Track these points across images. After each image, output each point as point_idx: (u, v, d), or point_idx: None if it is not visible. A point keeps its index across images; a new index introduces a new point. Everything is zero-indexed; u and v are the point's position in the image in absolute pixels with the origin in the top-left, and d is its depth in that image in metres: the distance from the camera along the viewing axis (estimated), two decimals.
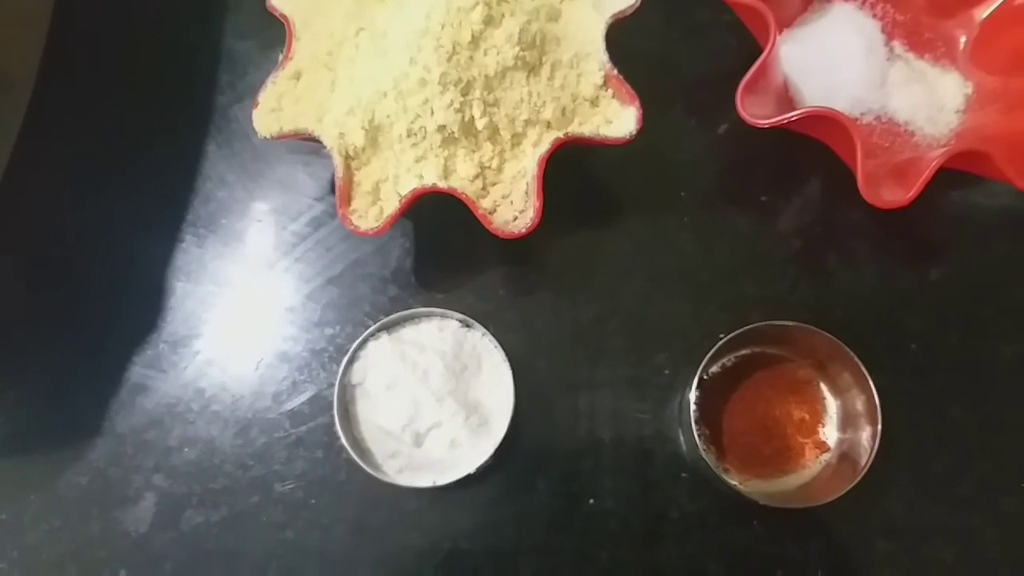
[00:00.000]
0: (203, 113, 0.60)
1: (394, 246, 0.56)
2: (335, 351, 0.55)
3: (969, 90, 0.56)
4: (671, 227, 0.56)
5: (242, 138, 0.59)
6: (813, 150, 0.55)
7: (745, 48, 0.56)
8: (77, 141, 0.59)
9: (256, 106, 0.51)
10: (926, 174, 0.47)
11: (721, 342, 0.49)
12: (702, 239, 0.56)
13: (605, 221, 0.56)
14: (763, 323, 0.49)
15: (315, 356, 0.55)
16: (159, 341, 0.56)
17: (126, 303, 0.56)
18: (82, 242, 0.58)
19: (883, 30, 0.58)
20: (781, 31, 0.57)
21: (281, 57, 0.51)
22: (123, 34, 0.62)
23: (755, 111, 0.51)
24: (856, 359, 0.48)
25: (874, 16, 0.58)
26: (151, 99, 0.60)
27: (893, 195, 0.49)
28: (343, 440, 0.48)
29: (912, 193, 0.47)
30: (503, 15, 0.48)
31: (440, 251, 0.56)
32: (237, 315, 0.56)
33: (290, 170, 0.58)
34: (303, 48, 0.51)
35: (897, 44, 0.58)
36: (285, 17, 0.52)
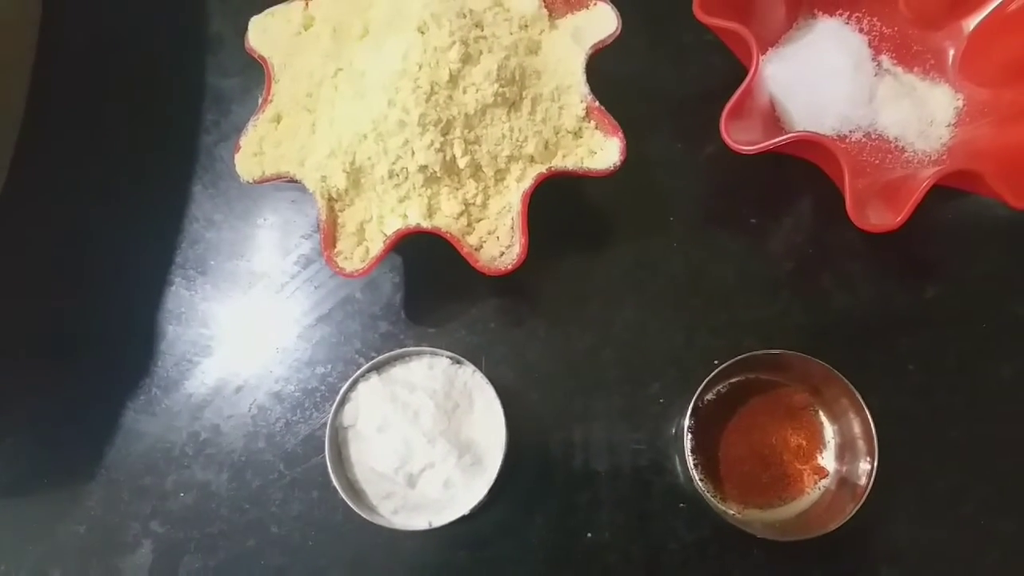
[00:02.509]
0: (189, 153, 0.59)
1: (384, 282, 0.56)
2: (327, 390, 0.54)
3: (960, 103, 0.56)
4: (661, 253, 0.56)
5: (228, 177, 0.59)
6: (802, 170, 0.55)
7: (730, 68, 0.56)
8: (62, 188, 0.59)
9: (238, 150, 0.50)
10: (915, 196, 0.47)
11: (714, 372, 0.49)
12: (693, 264, 0.55)
13: (595, 249, 0.56)
14: (756, 352, 0.49)
15: (307, 396, 0.55)
16: (152, 386, 0.56)
17: (118, 349, 0.56)
18: (73, 288, 0.58)
19: (870, 44, 0.57)
20: (766, 50, 0.57)
21: (261, 100, 0.51)
22: (105, 75, 0.62)
23: (741, 135, 0.50)
24: (850, 385, 0.47)
25: (860, 31, 0.57)
26: (136, 141, 0.60)
27: (883, 217, 0.48)
28: (335, 483, 0.48)
29: (902, 217, 0.47)
30: (481, 52, 0.48)
31: (430, 285, 0.56)
32: (229, 357, 0.56)
33: (277, 208, 0.58)
34: (283, 90, 0.51)
35: (885, 58, 0.57)
36: (264, 59, 0.52)
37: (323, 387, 0.55)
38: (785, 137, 0.49)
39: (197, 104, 0.61)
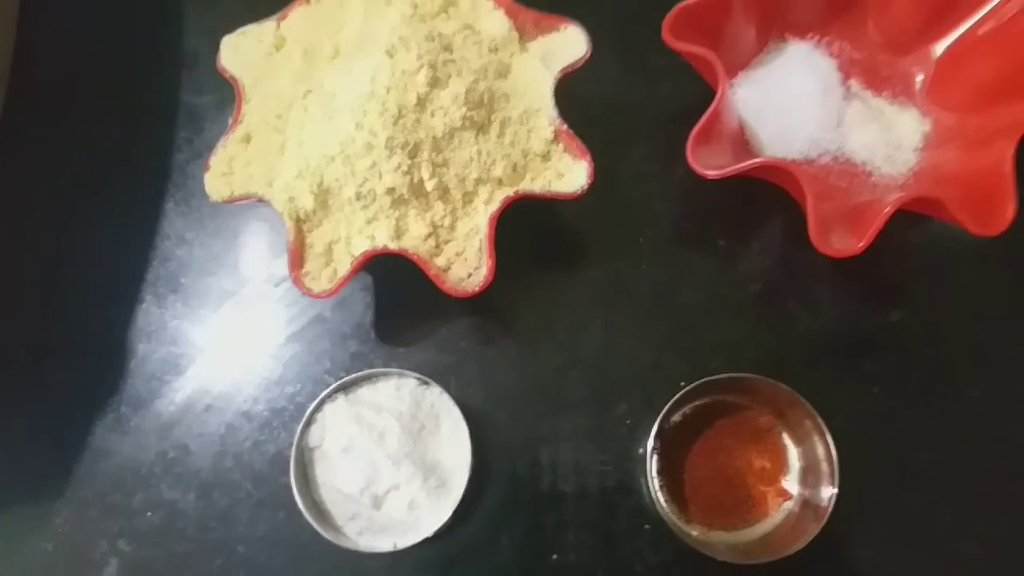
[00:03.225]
0: (161, 170, 0.60)
1: (355, 301, 0.56)
2: (295, 410, 0.54)
3: (927, 127, 0.56)
4: (630, 274, 0.56)
5: (200, 195, 0.58)
6: (770, 193, 0.55)
7: (702, 90, 0.56)
8: (32, 203, 0.59)
9: (208, 170, 0.51)
10: (877, 222, 0.47)
11: (679, 394, 0.49)
12: (661, 286, 0.56)
13: (565, 269, 0.56)
14: (721, 375, 0.49)
15: (276, 415, 0.55)
16: (121, 404, 0.56)
17: (87, 366, 0.56)
18: (43, 304, 0.58)
19: (839, 68, 0.57)
20: (736, 73, 0.57)
21: (231, 120, 0.51)
22: (79, 90, 0.62)
23: (709, 159, 0.50)
24: (812, 409, 0.48)
25: (830, 54, 0.58)
26: (108, 157, 0.60)
27: (846, 242, 0.49)
28: (300, 505, 0.48)
29: (863, 243, 0.47)
30: (449, 76, 0.48)
31: (401, 305, 0.56)
32: (198, 376, 0.56)
33: (249, 226, 0.58)
34: (253, 110, 0.51)
35: (854, 82, 0.57)
36: (235, 79, 0.52)
37: (292, 406, 0.55)
38: (749, 163, 0.49)
39: (170, 121, 0.61)
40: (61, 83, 0.62)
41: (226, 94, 0.59)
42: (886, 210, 0.47)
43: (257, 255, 0.58)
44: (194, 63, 0.62)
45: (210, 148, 0.56)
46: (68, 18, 0.64)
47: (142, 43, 0.63)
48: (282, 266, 0.57)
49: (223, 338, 0.56)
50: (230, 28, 0.61)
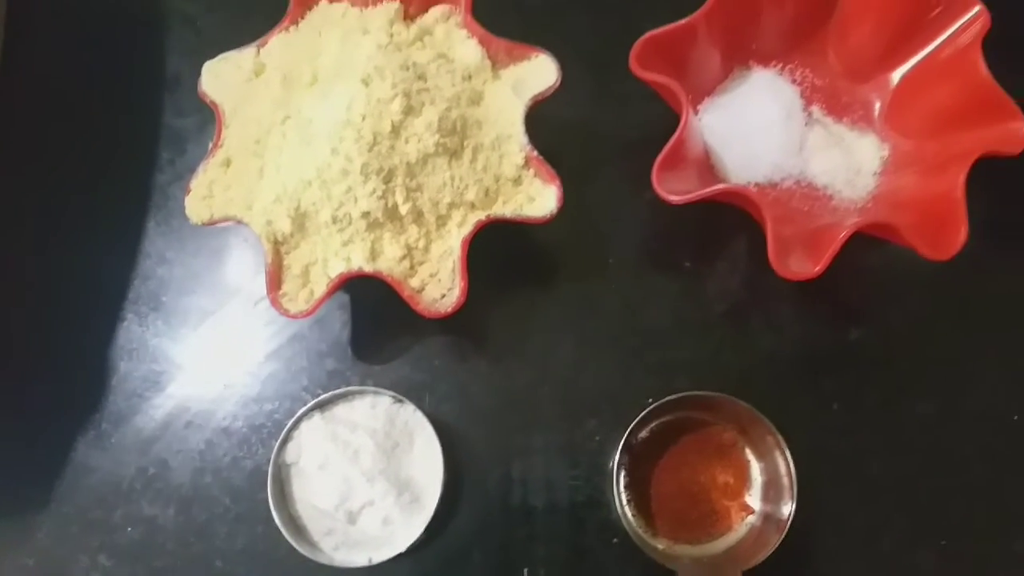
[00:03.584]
0: (143, 191, 0.61)
1: (332, 319, 0.58)
2: (273, 426, 0.56)
3: (885, 153, 0.58)
4: (600, 293, 0.58)
5: (181, 215, 0.59)
6: (736, 216, 0.57)
7: (670, 116, 0.57)
8: (14, 222, 0.61)
9: (188, 193, 0.52)
10: (833, 247, 0.49)
11: (645, 411, 0.51)
12: (630, 305, 0.57)
13: (536, 288, 0.58)
14: (686, 392, 0.51)
15: (254, 431, 0.56)
16: (102, 420, 0.57)
17: (69, 383, 0.57)
18: (25, 322, 0.59)
19: (802, 95, 0.60)
20: (702, 99, 0.59)
21: (212, 144, 0.53)
22: (61, 110, 0.63)
23: (675, 184, 0.52)
24: (772, 427, 0.50)
25: (793, 81, 0.60)
26: (90, 177, 0.62)
27: (804, 265, 0.50)
28: (277, 521, 0.49)
29: (819, 267, 0.49)
30: (423, 104, 0.50)
31: (377, 323, 0.58)
32: (178, 393, 0.57)
33: (228, 245, 0.60)
34: (233, 135, 0.53)
35: (816, 109, 0.60)
36: (215, 104, 0.53)
37: (270, 423, 0.56)
38: (711, 190, 0.51)
39: (153, 142, 0.62)
40: (43, 104, 0.63)
41: (207, 116, 0.60)
42: (842, 234, 0.49)
43: (236, 274, 0.59)
44: (176, 85, 0.63)
45: (191, 169, 0.57)
46: (50, 40, 0.65)
47: (124, 65, 0.64)
48: (261, 285, 0.58)
49: (203, 356, 0.58)
50: (211, 51, 0.62)
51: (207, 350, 0.58)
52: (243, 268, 0.59)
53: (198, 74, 0.55)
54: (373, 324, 0.58)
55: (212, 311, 0.58)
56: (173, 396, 0.57)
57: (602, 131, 0.61)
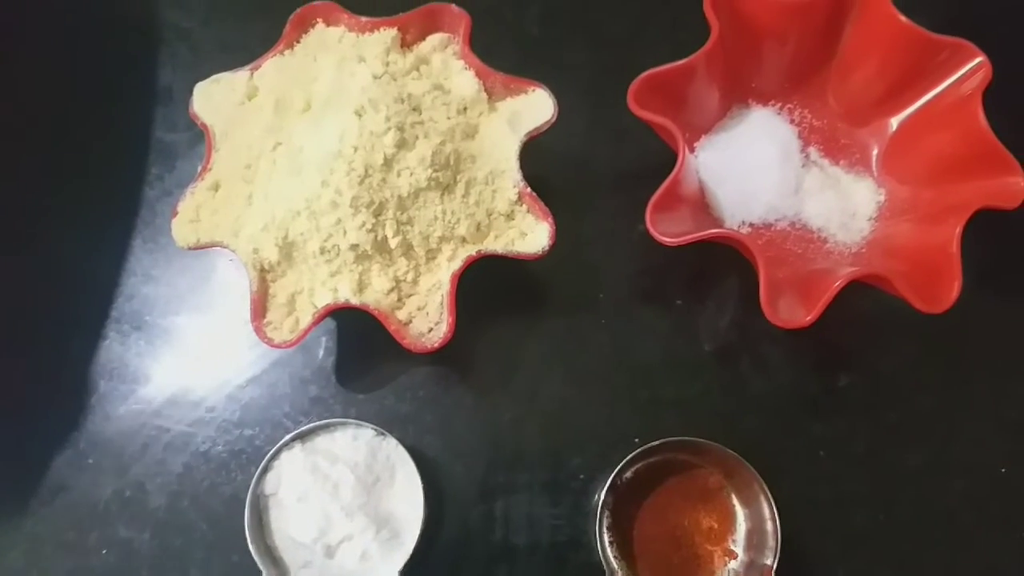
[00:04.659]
0: (131, 206, 0.60)
1: (316, 346, 0.57)
2: (253, 452, 0.55)
3: (881, 198, 0.58)
4: (589, 329, 0.57)
5: (168, 232, 0.58)
6: (728, 254, 0.56)
7: (666, 149, 0.57)
8: None
9: (175, 216, 0.51)
10: (826, 297, 0.49)
11: (631, 455, 0.50)
12: (619, 341, 0.57)
13: (525, 321, 0.57)
14: (672, 438, 0.50)
15: (233, 457, 0.55)
16: (79, 440, 0.56)
17: (48, 401, 0.57)
18: (6, 338, 0.58)
19: (800, 135, 0.59)
20: (699, 137, 0.59)
21: (201, 167, 0.52)
22: (51, 122, 0.62)
23: (668, 226, 0.51)
24: (757, 475, 0.49)
25: (792, 121, 0.60)
26: (79, 191, 0.61)
27: (796, 314, 0.50)
28: (252, 552, 0.49)
29: (812, 316, 0.49)
30: (417, 137, 0.49)
31: (362, 351, 0.57)
32: (158, 415, 0.56)
33: (215, 266, 0.59)
34: (223, 159, 0.52)
35: (813, 150, 0.59)
36: (206, 126, 0.52)
37: (250, 449, 0.55)
38: (705, 233, 0.50)
39: (142, 157, 0.61)
40: (32, 116, 0.62)
41: (198, 132, 0.59)
42: (836, 284, 0.49)
43: (222, 296, 0.58)
44: (168, 99, 0.62)
45: (181, 186, 0.57)
46: (41, 51, 0.64)
47: (115, 77, 0.63)
48: (246, 308, 0.57)
49: (184, 377, 0.57)
50: (205, 65, 0.61)
51: (189, 372, 0.57)
52: (229, 289, 0.58)
53: (191, 89, 0.54)
54: (358, 352, 0.57)
55: (196, 332, 0.58)
56: (153, 418, 0.56)
57: (597, 163, 0.60)
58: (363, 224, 0.48)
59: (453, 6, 0.54)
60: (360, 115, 0.48)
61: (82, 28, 0.64)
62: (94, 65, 0.64)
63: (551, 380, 0.56)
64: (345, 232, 0.48)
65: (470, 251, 0.50)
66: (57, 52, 0.64)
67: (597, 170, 0.60)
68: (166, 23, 0.64)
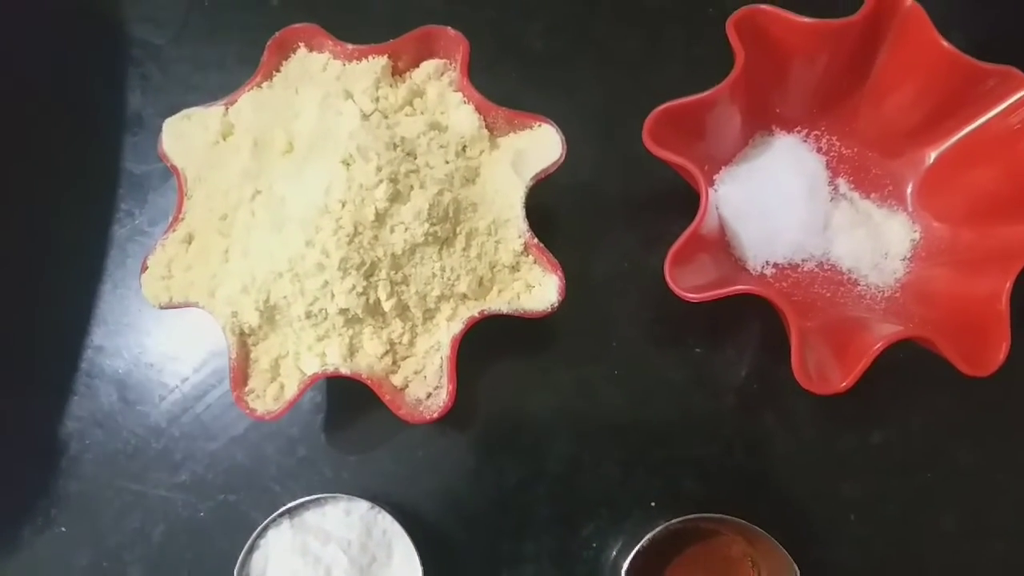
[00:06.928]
0: (98, 248, 0.55)
1: (304, 401, 0.52)
2: (238, 519, 0.51)
3: (916, 235, 0.53)
4: (601, 381, 0.53)
5: (140, 275, 0.54)
6: (749, 299, 0.52)
7: (682, 184, 0.52)
8: None
9: (144, 270, 0.46)
10: (864, 362, 0.44)
11: (653, 532, 0.46)
12: (633, 394, 0.53)
13: (531, 373, 0.53)
14: (689, 516, 0.46)
15: (218, 524, 0.51)
16: (50, 507, 0.52)
17: (13, 462, 0.52)
18: None
19: (828, 165, 0.55)
20: (719, 169, 0.54)
21: (171, 217, 0.47)
22: (6, 153, 0.57)
23: (689, 279, 0.47)
24: (781, 547, 0.45)
25: (818, 149, 0.55)
26: (40, 229, 0.56)
27: (829, 372, 0.46)
28: None
29: (847, 383, 0.44)
30: (412, 187, 0.44)
31: (354, 406, 0.52)
32: (134, 479, 0.52)
33: (192, 315, 0.54)
34: (196, 207, 0.47)
35: (842, 181, 0.55)
36: (176, 169, 0.47)
37: (234, 515, 0.51)
38: (733, 289, 0.46)
39: (111, 191, 0.56)
40: None
41: None
42: (875, 347, 0.45)
43: (199, 346, 0.53)
44: (137, 127, 0.57)
45: (153, 224, 0.53)
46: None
47: (79, 103, 0.58)
48: (225, 362, 0.53)
49: (158, 438, 0.52)
50: (177, 89, 0.57)
51: (163, 432, 0.52)
52: (208, 341, 0.53)
53: (162, 115, 0.49)
54: (350, 407, 0.53)
55: (173, 387, 0.53)
56: (127, 483, 0.52)
57: (607, 195, 0.56)
58: (353, 287, 0.43)
59: (449, 29, 0.48)
60: (348, 165, 0.43)
61: (38, 42, 0.58)
62: (55, 89, 0.58)
63: (560, 439, 0.52)
64: (333, 296, 0.43)
65: (471, 309, 0.46)
66: (10, 71, 0.58)
67: (609, 205, 0.55)
68: (132, 39, 0.58)
